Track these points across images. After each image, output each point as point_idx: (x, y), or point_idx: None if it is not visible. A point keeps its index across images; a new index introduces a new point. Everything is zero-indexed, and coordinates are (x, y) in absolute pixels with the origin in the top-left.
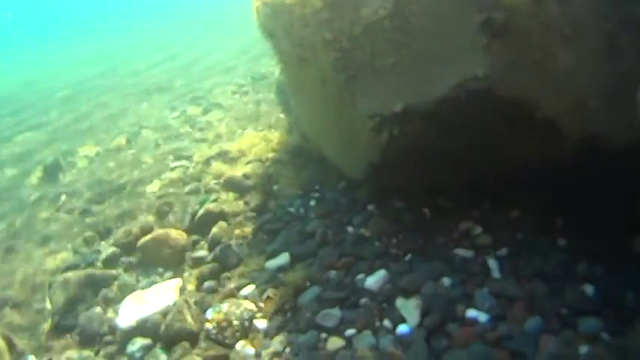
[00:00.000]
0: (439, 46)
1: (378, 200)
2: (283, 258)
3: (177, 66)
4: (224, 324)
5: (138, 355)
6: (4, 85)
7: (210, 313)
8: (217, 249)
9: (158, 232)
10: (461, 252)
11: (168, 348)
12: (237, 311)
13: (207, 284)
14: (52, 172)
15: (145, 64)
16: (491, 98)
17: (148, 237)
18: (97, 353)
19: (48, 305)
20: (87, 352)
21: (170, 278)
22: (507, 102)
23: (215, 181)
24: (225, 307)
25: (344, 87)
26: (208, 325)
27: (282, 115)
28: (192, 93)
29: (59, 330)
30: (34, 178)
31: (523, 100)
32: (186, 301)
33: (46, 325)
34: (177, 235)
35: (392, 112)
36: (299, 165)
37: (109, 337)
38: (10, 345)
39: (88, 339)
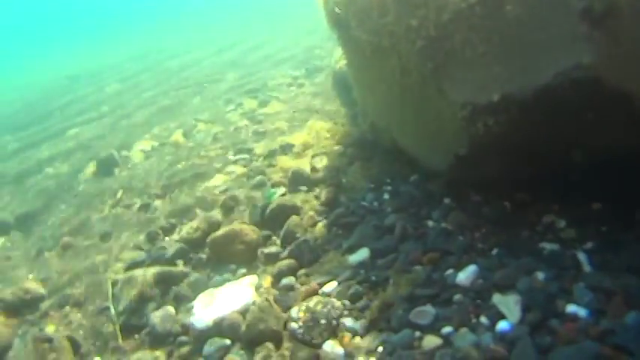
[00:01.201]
0: (535, 33)
1: (454, 193)
2: (363, 253)
3: (228, 59)
4: (310, 323)
5: (216, 356)
6: (50, 79)
7: (295, 312)
8: (293, 245)
9: (229, 227)
10: (548, 246)
11: (249, 349)
12: (324, 309)
13: (284, 281)
14: (106, 167)
15: (195, 58)
16: (592, 86)
17: (218, 233)
18: (169, 354)
19: (112, 304)
20: (159, 353)
21: (244, 275)
22: (608, 90)
23: (281, 175)
24: (310, 305)
25: (430, 76)
26: (293, 325)
27: (341, 108)
28: (246, 86)
29: (127, 330)
30: (88, 172)
31: (623, 88)
32: (267, 300)
33: (112, 325)
34: (249, 231)
35: (487, 101)
36: (365, 157)
37: (182, 338)
38: (74, 346)
39: (160, 339)
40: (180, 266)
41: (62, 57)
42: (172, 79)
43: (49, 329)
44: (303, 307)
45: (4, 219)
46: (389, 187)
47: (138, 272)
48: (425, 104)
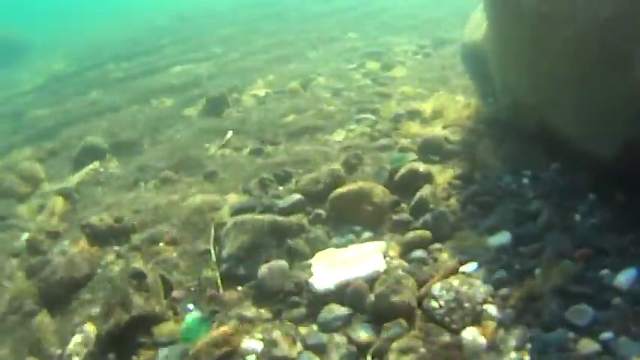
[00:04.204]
0: None
1: (600, 189)
2: (503, 237)
3: (351, 18)
4: (453, 304)
5: (334, 325)
6: (159, 17)
7: (437, 289)
8: (428, 215)
9: (357, 185)
10: None
11: (376, 323)
12: (470, 291)
13: (415, 254)
14: (215, 106)
15: (315, 13)
16: None
17: (344, 189)
18: (276, 314)
19: (214, 248)
20: (263, 311)
21: (369, 240)
22: None
23: (409, 141)
24: (454, 284)
25: (612, 51)
26: (433, 304)
27: (470, 82)
28: (368, 47)
29: (229, 279)
30: (194, 109)
31: None
32: (403, 270)
33: (211, 272)
34: (380, 192)
35: None
36: (497, 137)
37: (295, 298)
38: (166, 287)
39: (267, 295)
40: (295, 219)
41: None
42: (291, 31)
43: (138, 264)
44: (447, 286)
45: (99, 144)
46: (528, 172)
47: (248, 218)
48: (599, 82)
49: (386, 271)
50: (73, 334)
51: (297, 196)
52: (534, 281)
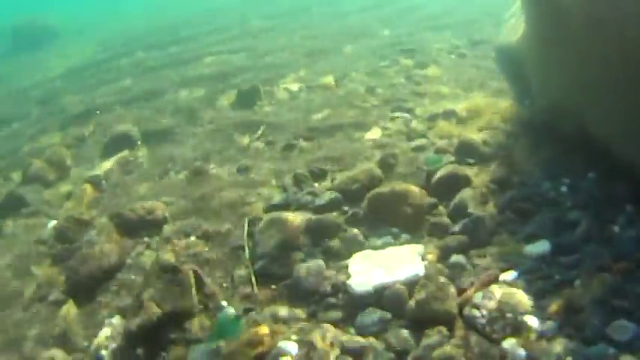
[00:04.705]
0: None
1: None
2: (542, 246)
3: (384, 15)
4: (496, 314)
5: (372, 329)
6: (193, 7)
7: (479, 298)
8: (467, 220)
9: (396, 185)
10: None
11: (416, 329)
12: (512, 302)
13: (454, 259)
14: (248, 99)
15: (349, 10)
16: None
17: (383, 189)
18: (312, 315)
19: (247, 245)
20: (298, 311)
21: (407, 242)
22: None
23: (445, 142)
24: (496, 294)
25: None
26: (475, 312)
27: (505, 84)
28: (401, 45)
29: (263, 277)
30: (226, 101)
31: None
32: (444, 277)
33: (245, 269)
34: (419, 194)
35: None
36: (533, 141)
37: (331, 299)
38: (199, 282)
39: (303, 295)
40: (333, 218)
41: None
42: (324, 26)
43: (168, 257)
44: (489, 294)
45: (130, 132)
46: (566, 180)
47: (285, 215)
48: None
49: (425, 276)
50: (100, 327)
51: (333, 194)
52: (574, 293)
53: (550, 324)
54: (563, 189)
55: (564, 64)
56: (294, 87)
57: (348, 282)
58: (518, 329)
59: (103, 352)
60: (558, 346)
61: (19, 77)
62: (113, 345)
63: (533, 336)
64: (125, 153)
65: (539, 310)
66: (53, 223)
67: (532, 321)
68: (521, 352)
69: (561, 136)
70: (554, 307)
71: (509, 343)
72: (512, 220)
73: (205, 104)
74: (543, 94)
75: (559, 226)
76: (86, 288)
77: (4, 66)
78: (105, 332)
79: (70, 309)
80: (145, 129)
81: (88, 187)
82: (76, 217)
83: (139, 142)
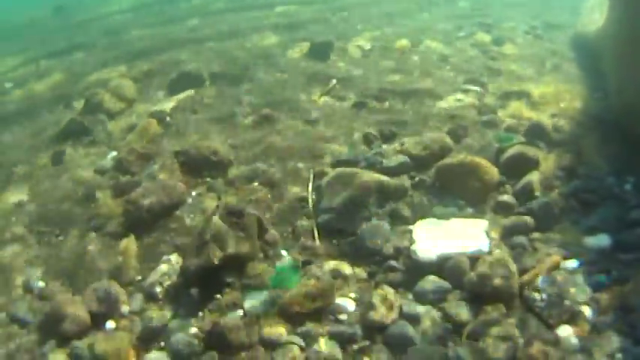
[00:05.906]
0: None
1: None
2: (603, 240)
3: None
4: (556, 299)
5: (431, 297)
6: None
7: (541, 282)
8: (535, 203)
9: (468, 158)
10: None
11: (475, 303)
12: (572, 290)
13: (516, 239)
14: (320, 52)
15: None
16: None
17: (454, 160)
18: (371, 275)
19: (311, 197)
20: (358, 270)
21: (470, 216)
22: None
23: (516, 121)
24: (559, 279)
25: None
26: (535, 295)
27: (579, 73)
28: (479, 17)
29: (326, 232)
30: (297, 52)
31: None
32: (509, 255)
33: (307, 221)
34: (490, 170)
35: None
36: (604, 135)
37: (393, 262)
38: (261, 229)
39: (365, 255)
40: (401, 181)
41: None
42: None
43: (230, 200)
44: (551, 279)
45: (197, 71)
46: (631, 178)
47: (353, 171)
48: None
49: (489, 252)
50: (157, 263)
51: (403, 158)
52: (629, 291)
53: (604, 318)
54: (628, 187)
55: None
56: (368, 45)
57: (412, 247)
58: (574, 318)
59: (158, 289)
60: (610, 341)
61: (85, 9)
62: (168, 282)
63: (586, 327)
64: (192, 92)
65: (594, 303)
66: (114, 153)
67: (588, 312)
68: (575, 340)
69: (631, 136)
70: (608, 302)
71: (564, 331)
72: (575, 209)
73: (277, 52)
74: (620, 91)
75: (621, 223)
76: (146, 222)
77: None
78: (161, 269)
79: (128, 243)
80: (213, 70)
81: (152, 122)
82: (138, 150)
83: (207, 83)
